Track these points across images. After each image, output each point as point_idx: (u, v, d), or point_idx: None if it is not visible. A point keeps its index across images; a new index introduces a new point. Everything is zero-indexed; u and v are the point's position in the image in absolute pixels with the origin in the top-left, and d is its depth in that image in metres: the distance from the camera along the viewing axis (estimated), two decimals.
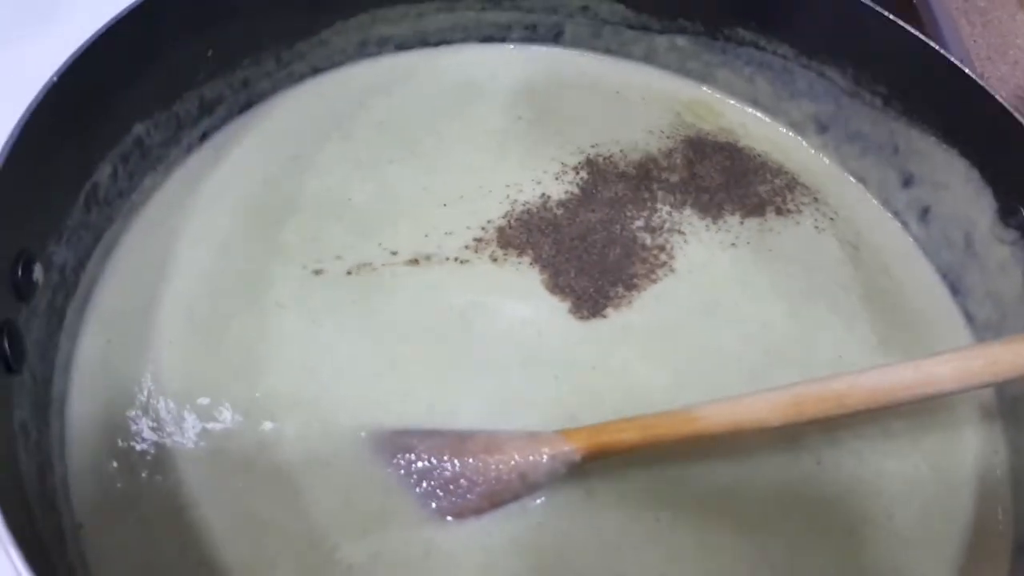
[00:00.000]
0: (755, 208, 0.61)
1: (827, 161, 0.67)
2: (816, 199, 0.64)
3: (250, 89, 0.61)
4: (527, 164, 0.61)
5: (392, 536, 0.44)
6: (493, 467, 0.45)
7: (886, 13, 0.60)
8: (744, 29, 0.66)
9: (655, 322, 0.54)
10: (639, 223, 0.59)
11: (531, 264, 0.55)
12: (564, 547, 0.45)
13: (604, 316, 0.54)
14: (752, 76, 0.68)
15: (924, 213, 0.62)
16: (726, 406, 0.46)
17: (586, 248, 0.56)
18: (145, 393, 0.47)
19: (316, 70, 0.65)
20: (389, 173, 0.59)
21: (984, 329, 0.58)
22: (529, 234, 0.57)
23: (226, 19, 0.57)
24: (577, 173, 0.61)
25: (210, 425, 0.46)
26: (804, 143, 0.68)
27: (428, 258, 0.55)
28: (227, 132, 0.60)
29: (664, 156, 0.63)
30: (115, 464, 0.44)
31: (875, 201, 0.65)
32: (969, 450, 0.53)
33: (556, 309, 0.53)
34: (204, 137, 0.59)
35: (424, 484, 0.45)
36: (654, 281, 0.56)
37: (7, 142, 0.42)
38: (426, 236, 0.56)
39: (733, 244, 0.59)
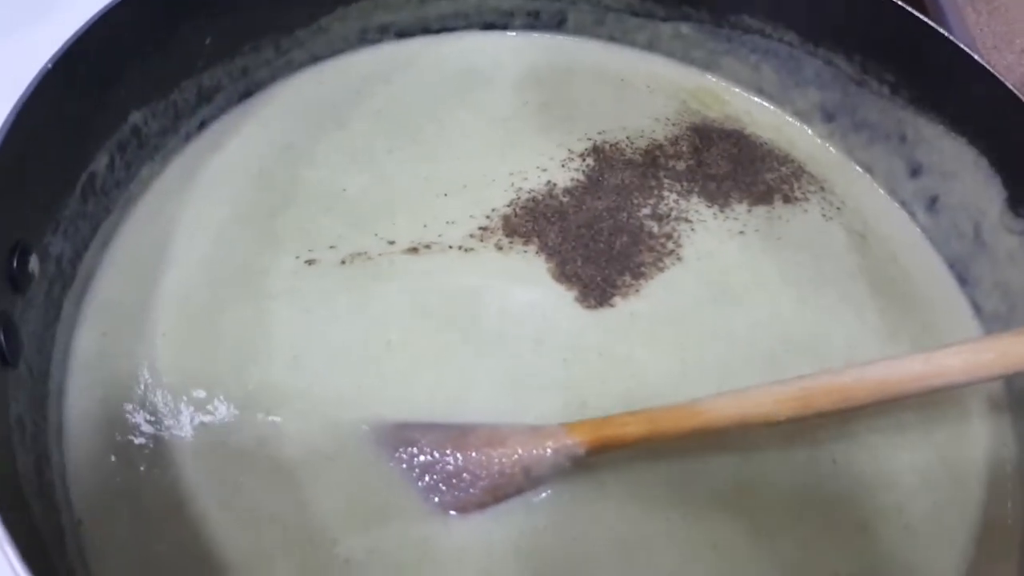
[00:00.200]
0: (762, 196, 0.61)
1: (833, 150, 0.66)
2: (823, 188, 0.63)
3: (249, 78, 0.60)
4: (532, 151, 0.60)
5: (393, 531, 0.43)
6: (496, 461, 0.44)
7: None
8: (749, 16, 0.65)
9: (663, 311, 0.53)
10: (646, 211, 0.58)
11: (537, 252, 0.55)
12: (569, 545, 0.44)
13: (612, 305, 0.53)
14: (758, 64, 0.67)
15: (932, 203, 0.62)
16: (732, 400, 0.45)
17: (593, 236, 0.56)
18: (142, 386, 0.46)
19: (316, 58, 0.64)
20: (388, 162, 0.58)
21: (992, 320, 0.58)
22: (535, 222, 0.56)
23: (225, 6, 0.56)
24: (583, 160, 0.60)
25: (207, 418, 0.45)
26: (810, 131, 0.67)
27: (428, 247, 0.54)
28: (225, 121, 0.59)
29: (670, 143, 0.63)
30: (113, 458, 0.44)
31: (882, 191, 0.65)
32: (979, 443, 0.52)
33: (563, 297, 0.53)
34: (202, 126, 0.58)
35: (427, 478, 0.44)
36: (661, 269, 0.55)
37: (1, 130, 0.41)
38: (425, 226, 0.55)
39: (741, 232, 0.59)
